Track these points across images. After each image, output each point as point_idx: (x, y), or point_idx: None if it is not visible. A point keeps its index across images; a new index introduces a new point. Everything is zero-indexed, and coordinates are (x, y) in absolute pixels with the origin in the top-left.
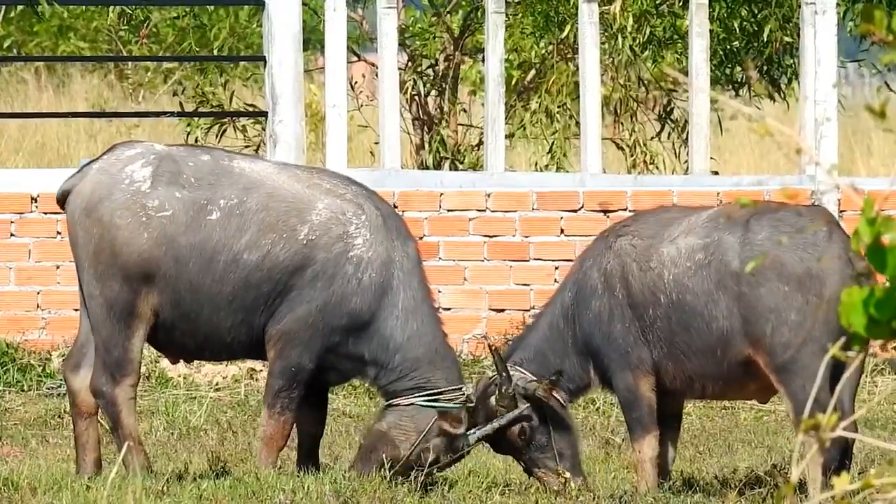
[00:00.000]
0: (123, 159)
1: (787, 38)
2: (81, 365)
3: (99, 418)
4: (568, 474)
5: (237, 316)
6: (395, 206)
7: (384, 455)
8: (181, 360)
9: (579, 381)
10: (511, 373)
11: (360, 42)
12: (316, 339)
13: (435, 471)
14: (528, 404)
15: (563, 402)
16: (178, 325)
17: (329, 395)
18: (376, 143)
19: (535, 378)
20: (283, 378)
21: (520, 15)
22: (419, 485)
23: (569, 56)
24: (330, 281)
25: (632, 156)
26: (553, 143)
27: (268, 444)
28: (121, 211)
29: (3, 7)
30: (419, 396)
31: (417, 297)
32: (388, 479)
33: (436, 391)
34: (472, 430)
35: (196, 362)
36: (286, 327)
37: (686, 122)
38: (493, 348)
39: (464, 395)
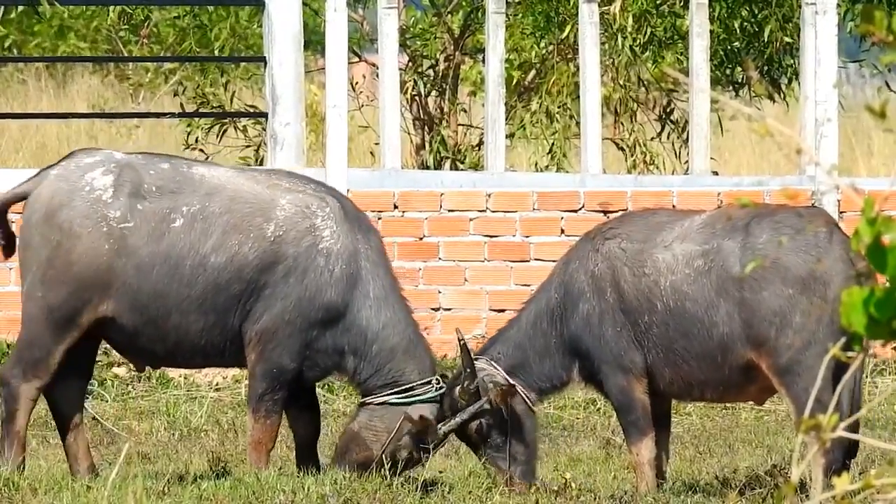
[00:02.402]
0: (83, 166)
1: (787, 39)
2: (59, 379)
3: (91, 412)
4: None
5: (208, 318)
6: (396, 207)
7: (356, 456)
8: (150, 367)
9: (557, 381)
10: (482, 366)
11: (361, 42)
12: (295, 337)
13: (410, 465)
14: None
15: (531, 403)
16: (144, 331)
17: (330, 395)
18: (376, 144)
19: (498, 377)
20: (265, 380)
21: (520, 15)
22: (419, 485)
23: (569, 56)
24: (303, 275)
25: (632, 156)
26: (553, 144)
27: (256, 448)
28: (81, 220)
29: (3, 7)
30: (391, 394)
31: (386, 286)
32: (387, 478)
33: (408, 387)
34: (439, 425)
35: None
36: (264, 326)
37: (686, 122)
38: (462, 342)
39: (433, 386)
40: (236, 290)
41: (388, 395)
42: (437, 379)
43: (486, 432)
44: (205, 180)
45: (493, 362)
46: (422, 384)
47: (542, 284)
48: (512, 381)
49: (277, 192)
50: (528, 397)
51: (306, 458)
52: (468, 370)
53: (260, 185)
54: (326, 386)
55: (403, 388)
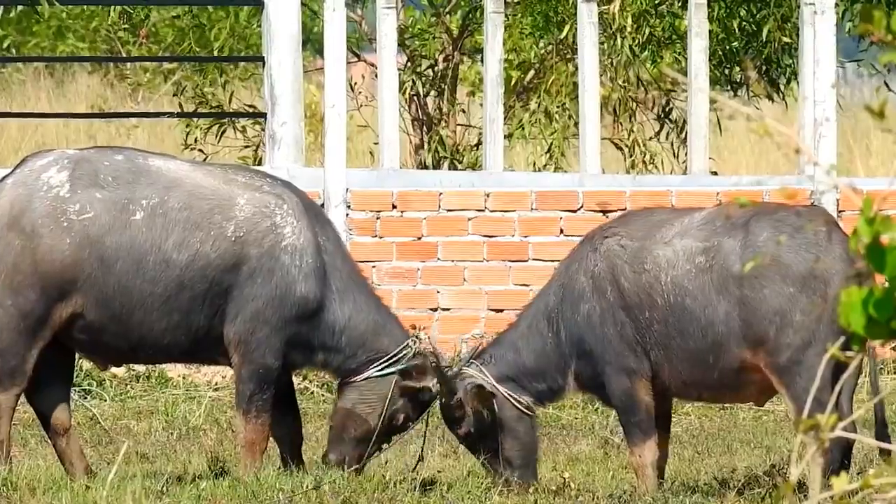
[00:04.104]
0: (37, 169)
1: (785, 39)
2: (40, 386)
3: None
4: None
5: (172, 317)
6: (395, 206)
7: (356, 433)
8: (112, 366)
9: (553, 384)
10: (469, 372)
11: (360, 42)
12: (273, 336)
13: (406, 428)
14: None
15: (524, 407)
16: (108, 327)
17: (329, 394)
18: (375, 144)
19: (480, 383)
20: (252, 382)
21: (519, 15)
22: (417, 484)
23: (568, 56)
24: (270, 274)
25: (631, 156)
26: (552, 143)
27: (250, 450)
28: (42, 219)
29: (2, 7)
30: (372, 369)
31: (345, 275)
32: (385, 477)
33: (387, 358)
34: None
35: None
36: (241, 328)
37: (685, 122)
38: (435, 364)
39: (411, 348)
40: (200, 288)
41: (370, 370)
42: (411, 340)
43: (473, 438)
44: (162, 173)
45: (482, 367)
46: (400, 350)
47: (542, 288)
48: (499, 387)
49: (235, 189)
50: (520, 401)
51: (293, 460)
52: (448, 388)
53: (217, 180)
54: (326, 385)
55: (383, 360)
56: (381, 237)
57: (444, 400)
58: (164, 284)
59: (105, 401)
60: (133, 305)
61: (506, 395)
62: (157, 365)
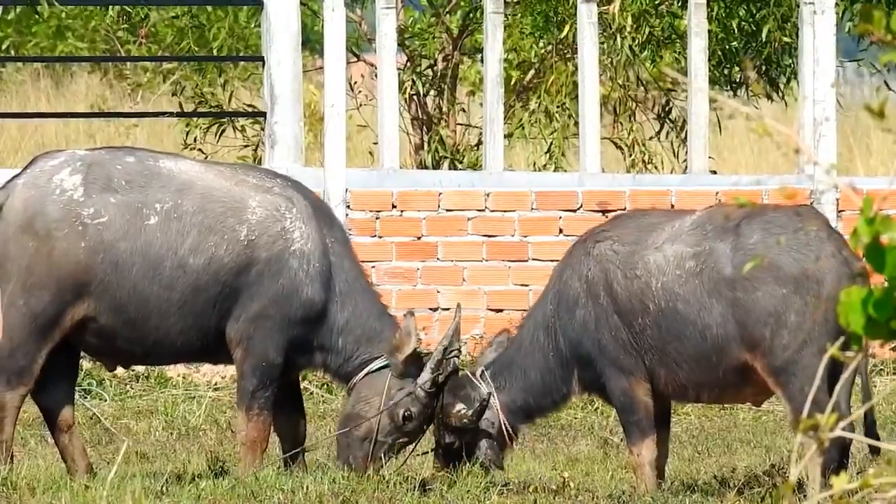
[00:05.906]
0: (48, 170)
1: (785, 38)
2: (45, 382)
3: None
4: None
5: (187, 320)
6: (394, 206)
7: (358, 432)
8: (120, 367)
9: (556, 395)
10: (479, 386)
11: (360, 42)
12: (276, 332)
13: (414, 424)
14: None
15: (511, 438)
16: (122, 332)
17: (329, 395)
18: (375, 143)
19: (496, 421)
20: (254, 377)
21: (519, 15)
22: (417, 484)
23: (568, 56)
24: (276, 276)
25: (630, 155)
26: (552, 143)
27: (252, 448)
28: (56, 223)
29: (2, 7)
30: (369, 369)
31: (350, 277)
32: (385, 477)
33: (382, 359)
34: (423, 373)
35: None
36: (243, 325)
37: (684, 121)
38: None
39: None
40: (213, 291)
41: (366, 372)
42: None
43: (450, 449)
44: (173, 175)
45: (495, 393)
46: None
47: (538, 297)
48: (501, 416)
49: (246, 191)
50: (512, 436)
51: (294, 461)
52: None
53: (228, 181)
54: (325, 386)
55: (378, 362)
56: (380, 237)
57: (449, 410)
58: (180, 290)
59: (105, 400)
60: (150, 311)
61: (504, 426)
62: (158, 365)
